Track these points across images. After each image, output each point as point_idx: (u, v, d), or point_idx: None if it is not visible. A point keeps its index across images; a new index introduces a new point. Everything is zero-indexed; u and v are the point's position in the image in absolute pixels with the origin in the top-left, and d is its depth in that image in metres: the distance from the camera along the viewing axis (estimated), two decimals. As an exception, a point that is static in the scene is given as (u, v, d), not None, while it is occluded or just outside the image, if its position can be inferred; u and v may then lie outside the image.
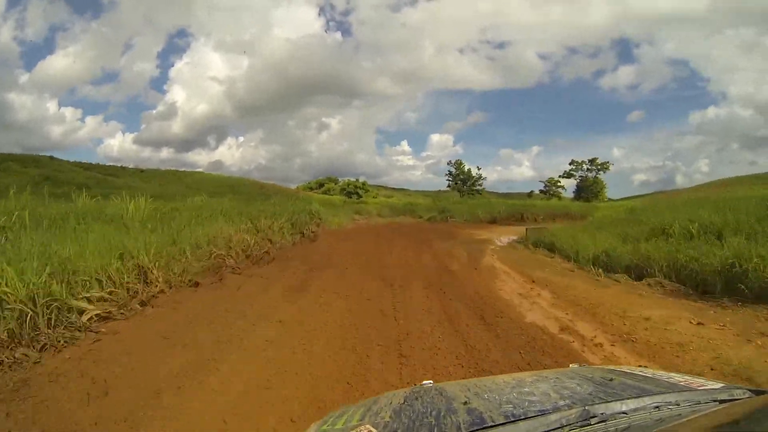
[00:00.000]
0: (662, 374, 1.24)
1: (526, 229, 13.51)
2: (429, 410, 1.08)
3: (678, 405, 0.97)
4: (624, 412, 0.94)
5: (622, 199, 44.24)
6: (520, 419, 0.94)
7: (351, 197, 39.73)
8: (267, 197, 20.20)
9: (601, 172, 50.70)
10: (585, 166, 48.59)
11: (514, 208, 26.41)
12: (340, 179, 48.44)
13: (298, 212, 13.96)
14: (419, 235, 14.46)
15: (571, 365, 1.49)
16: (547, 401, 1.05)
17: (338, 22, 71.12)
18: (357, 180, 46.05)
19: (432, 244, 12.06)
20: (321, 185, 49.95)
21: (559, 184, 53.37)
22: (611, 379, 1.17)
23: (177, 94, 63.81)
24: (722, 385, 1.11)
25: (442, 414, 1.04)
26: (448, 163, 49.30)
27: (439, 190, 46.73)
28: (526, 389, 1.17)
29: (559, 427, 0.90)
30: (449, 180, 50.15)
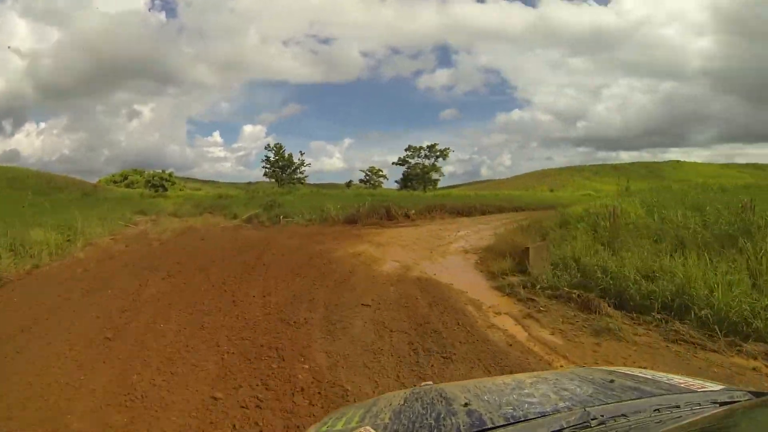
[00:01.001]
0: (662, 376, 1.25)
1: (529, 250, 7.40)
2: (429, 412, 1.07)
3: (678, 407, 0.97)
4: (624, 414, 0.92)
5: (439, 189, 45.01)
6: (520, 421, 0.94)
7: (157, 190, 34.95)
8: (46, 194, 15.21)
9: (440, 159, 42.43)
10: (423, 152, 42.23)
11: (377, 201, 20.17)
12: (147, 171, 42.55)
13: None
14: (234, 288, 7.10)
15: (570, 367, 1.53)
16: (547, 403, 1.05)
17: (164, 0, 56.28)
18: (163, 172, 39.85)
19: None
20: (125, 178, 43.95)
21: (380, 173, 50.80)
22: (611, 381, 1.17)
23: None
24: (722, 387, 1.12)
25: (442, 415, 1.03)
26: (266, 147, 45.55)
27: (249, 182, 39.36)
28: (526, 391, 1.16)
29: (559, 429, 0.87)
30: (266, 167, 44.08)
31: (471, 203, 21.23)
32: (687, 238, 6.37)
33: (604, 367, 1.62)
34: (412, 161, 46.86)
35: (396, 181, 47.35)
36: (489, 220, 17.78)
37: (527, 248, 7.06)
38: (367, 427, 1.04)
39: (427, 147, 46.34)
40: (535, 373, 1.50)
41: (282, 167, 42.36)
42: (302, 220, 15.41)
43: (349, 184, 49.75)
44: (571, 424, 0.90)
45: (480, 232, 13.25)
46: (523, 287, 6.22)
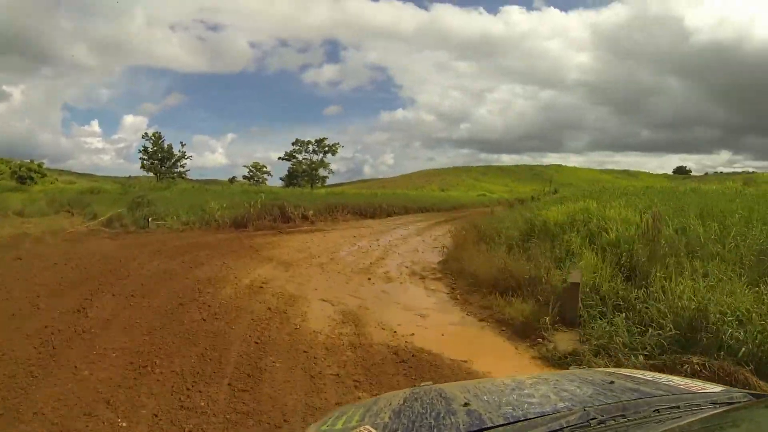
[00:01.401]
0: (662, 377, 1.27)
1: None
2: (428, 411, 1.07)
3: (677, 407, 0.98)
4: (623, 415, 0.93)
5: (326, 186, 44.06)
6: (520, 420, 0.94)
7: (24, 182, 30.49)
8: None
9: (329, 155, 40.83)
10: (311, 147, 40.22)
11: (269, 199, 16.90)
12: (14, 161, 36.25)
13: None
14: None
15: (570, 368, 1.52)
16: (547, 403, 1.05)
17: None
18: (32, 162, 34.74)
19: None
20: (-12, 168, 32.84)
21: (265, 169, 48.25)
22: (611, 382, 1.18)
23: None
24: (722, 388, 1.14)
25: (442, 415, 1.03)
26: (143, 137, 41.38)
27: (130, 176, 38.98)
28: (526, 391, 1.16)
29: (558, 429, 0.88)
30: (143, 158, 39.31)
31: (374, 203, 19.80)
32: (731, 259, 4.89)
33: (604, 369, 1.63)
34: (300, 156, 44.02)
35: (281, 178, 45.67)
36: (401, 223, 16.22)
37: (575, 284, 4.65)
38: (367, 427, 1.02)
39: (316, 141, 44.00)
40: (535, 373, 1.52)
41: (161, 159, 38.20)
42: (178, 224, 12.31)
43: (232, 180, 47.14)
44: (571, 425, 0.89)
45: (408, 241, 11.96)
46: (596, 355, 3.95)
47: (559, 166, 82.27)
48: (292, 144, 46.37)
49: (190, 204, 14.90)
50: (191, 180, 38.28)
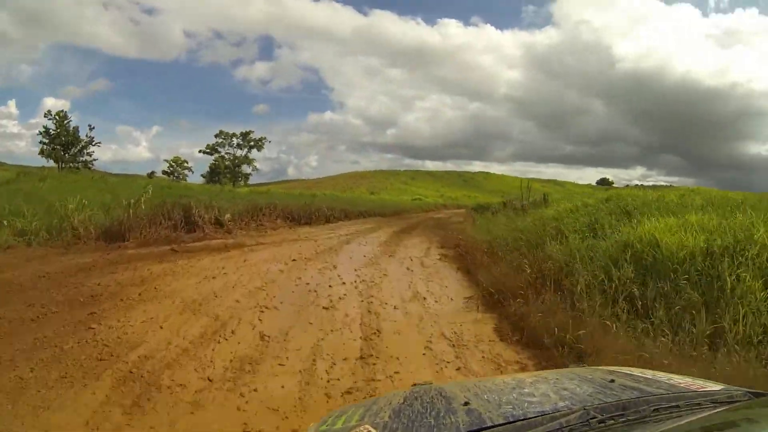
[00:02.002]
0: (662, 375, 1.28)
1: None
2: (428, 410, 1.08)
3: (678, 406, 0.99)
4: (623, 414, 0.94)
5: (246, 186, 39.03)
6: (520, 420, 0.94)
7: None
8: None
9: (254, 150, 36.79)
10: (236, 141, 35.72)
11: (172, 195, 12.97)
12: None
13: None
14: None
15: (571, 366, 1.61)
16: (547, 402, 1.06)
17: None
18: None
19: None
20: None
21: (186, 164, 43.72)
22: (611, 381, 1.20)
23: None
24: (722, 387, 1.16)
25: (442, 414, 1.04)
26: (45, 115, 34.55)
27: (44, 166, 30.65)
28: (526, 390, 1.17)
29: (558, 428, 0.89)
30: (44, 142, 33.52)
31: (309, 206, 15.38)
32: None
33: (604, 367, 1.60)
34: (223, 150, 39.06)
35: (202, 175, 42.70)
36: (350, 234, 12.93)
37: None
38: (367, 426, 1.02)
39: (241, 135, 39.11)
40: (535, 372, 1.57)
41: (65, 145, 32.82)
42: (7, 234, 7.38)
43: (151, 175, 42.12)
44: (571, 424, 0.90)
45: (385, 268, 7.99)
46: None
47: (487, 173, 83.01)
48: (215, 136, 40.75)
49: (50, 202, 10.02)
50: (100, 171, 32.92)
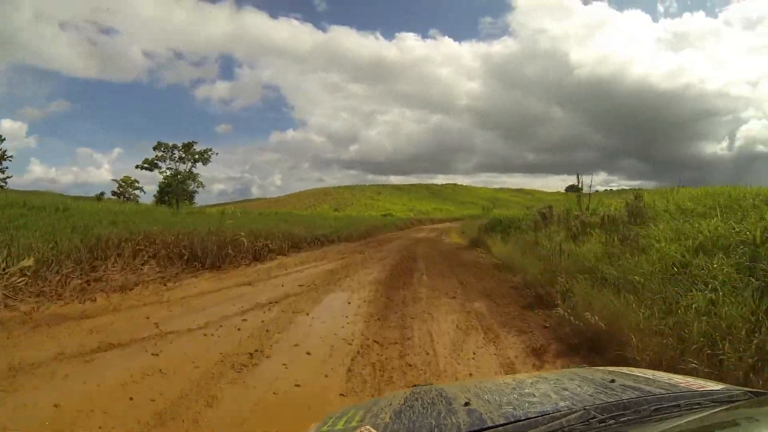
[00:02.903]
0: (662, 375, 1.28)
1: None
2: (429, 411, 1.07)
3: (678, 406, 0.98)
4: (624, 414, 0.93)
5: (210, 206, 36.10)
6: (520, 420, 0.93)
7: None
8: None
9: (199, 163, 29.84)
10: (177, 153, 28.49)
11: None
12: None
13: None
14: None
15: (572, 366, 1.57)
16: (548, 402, 1.05)
17: None
18: None
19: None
20: None
21: (137, 184, 37.12)
22: (612, 381, 1.19)
23: None
24: (723, 386, 1.15)
25: (443, 415, 1.02)
26: None
27: None
28: (527, 390, 1.17)
29: (559, 428, 0.88)
30: None
31: (222, 232, 9.38)
32: None
33: (604, 367, 1.59)
34: (164, 165, 32.82)
35: (154, 196, 36.23)
36: (284, 300, 6.05)
37: None
38: (368, 427, 0.99)
39: (183, 146, 32.59)
40: (535, 372, 1.56)
41: None
42: None
43: (100, 196, 35.43)
44: (572, 424, 0.89)
45: None
46: None
47: (455, 184, 79.17)
48: (154, 149, 34.33)
49: None
50: (16, 191, 26.11)
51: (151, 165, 36.32)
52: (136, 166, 36.06)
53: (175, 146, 35.77)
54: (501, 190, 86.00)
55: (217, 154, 39.15)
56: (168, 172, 36.49)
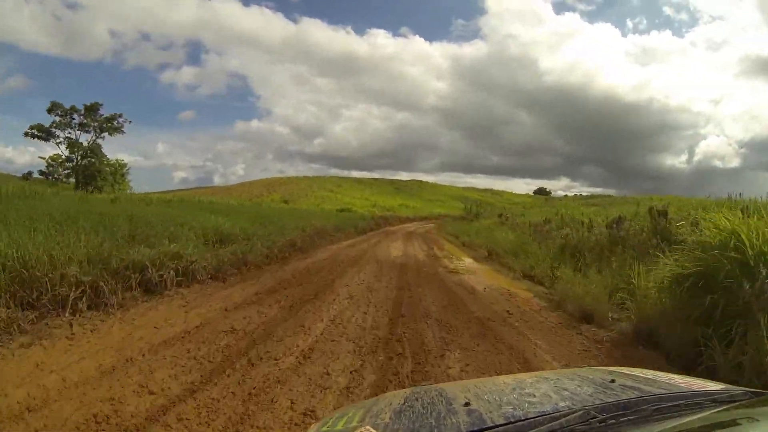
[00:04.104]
0: (662, 375, 1.28)
1: None
2: (429, 411, 1.05)
3: (678, 406, 0.98)
4: (624, 414, 0.93)
5: (160, 192, 30.19)
6: (520, 420, 0.92)
7: None
8: None
9: (106, 134, 21.37)
10: (77, 118, 19.72)
11: None
12: None
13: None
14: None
15: (572, 367, 1.47)
16: (548, 402, 1.04)
17: None
18: None
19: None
20: None
21: (67, 164, 30.14)
22: (612, 381, 1.18)
23: None
24: (723, 386, 1.15)
25: (443, 415, 1.01)
26: None
27: None
28: (527, 390, 1.15)
29: (559, 429, 0.87)
30: None
31: None
32: None
33: (604, 367, 1.57)
34: (62, 134, 25.17)
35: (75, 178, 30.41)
36: None
37: None
38: (368, 427, 0.98)
39: (85, 109, 24.90)
40: (535, 372, 1.51)
41: None
42: None
43: (27, 176, 31.91)
44: (572, 424, 0.88)
45: None
46: None
47: (421, 181, 73.59)
48: (48, 111, 26.26)
49: None
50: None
51: (43, 132, 28.19)
52: (25, 134, 28.03)
53: (74, 109, 27.93)
54: (468, 189, 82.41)
55: (130, 122, 31.18)
56: (65, 144, 28.52)
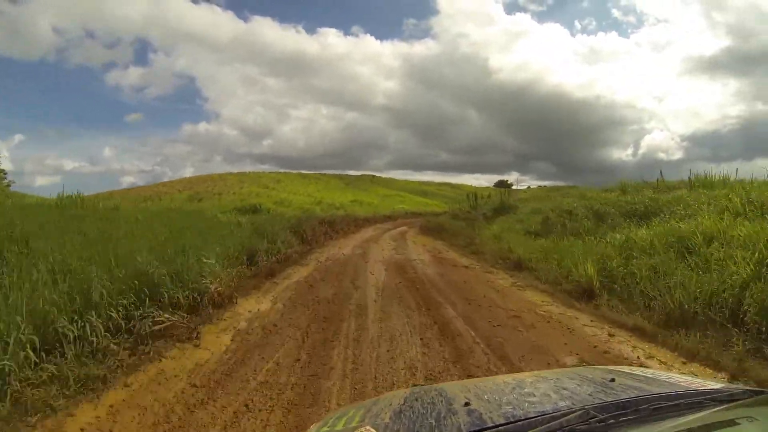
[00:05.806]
0: (662, 374, 1.25)
1: None
2: (429, 411, 1.02)
3: (678, 405, 0.96)
4: (624, 413, 0.91)
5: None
6: (520, 420, 0.90)
7: None
8: None
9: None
10: None
11: None
12: None
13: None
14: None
15: (571, 366, 1.56)
16: (548, 402, 1.01)
17: None
18: None
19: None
20: None
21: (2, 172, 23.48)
22: (612, 380, 1.14)
23: None
24: (722, 385, 1.15)
25: (443, 415, 0.98)
26: None
27: None
28: (527, 390, 1.12)
29: (559, 428, 0.85)
30: None
31: None
32: None
33: (604, 366, 1.57)
34: None
35: None
36: None
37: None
38: (368, 427, 0.95)
39: None
40: (535, 372, 1.38)
41: None
42: None
43: None
44: (572, 423, 0.85)
45: None
46: None
47: (373, 176, 64.47)
48: None
49: None
50: None
51: None
52: None
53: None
54: (426, 183, 75.39)
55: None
56: None
